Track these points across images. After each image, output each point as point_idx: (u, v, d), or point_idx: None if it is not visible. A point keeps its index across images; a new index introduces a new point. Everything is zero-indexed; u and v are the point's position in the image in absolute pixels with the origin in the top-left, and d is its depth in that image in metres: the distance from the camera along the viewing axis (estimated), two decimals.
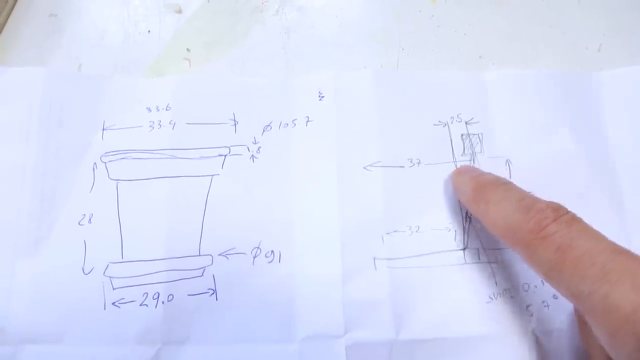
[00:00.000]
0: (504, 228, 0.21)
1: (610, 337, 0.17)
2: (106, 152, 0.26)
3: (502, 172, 0.27)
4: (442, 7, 0.31)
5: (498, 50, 0.30)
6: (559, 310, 0.24)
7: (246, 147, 0.27)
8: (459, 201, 0.26)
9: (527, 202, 0.21)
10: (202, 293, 0.24)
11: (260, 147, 0.27)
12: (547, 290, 0.25)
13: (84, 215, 0.25)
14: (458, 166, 0.27)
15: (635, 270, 0.17)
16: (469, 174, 0.25)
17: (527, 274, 0.25)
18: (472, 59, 0.30)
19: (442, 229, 0.26)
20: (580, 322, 0.22)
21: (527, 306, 0.24)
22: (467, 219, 0.26)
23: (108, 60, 0.29)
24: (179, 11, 0.30)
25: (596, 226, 0.25)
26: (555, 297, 0.25)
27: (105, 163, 0.26)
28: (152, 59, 0.29)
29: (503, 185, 0.23)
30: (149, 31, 0.30)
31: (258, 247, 0.25)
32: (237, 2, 0.31)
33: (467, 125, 0.27)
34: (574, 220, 0.20)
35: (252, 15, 0.31)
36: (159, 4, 0.31)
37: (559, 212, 0.20)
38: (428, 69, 0.29)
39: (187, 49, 0.30)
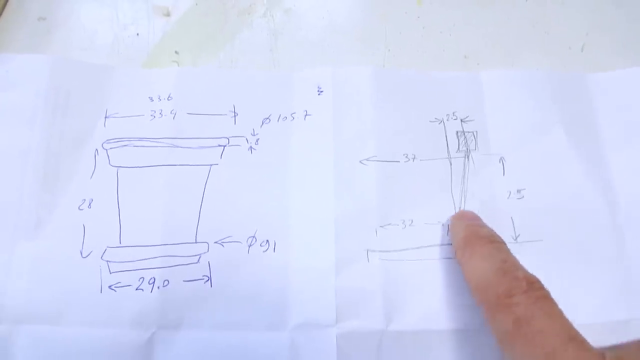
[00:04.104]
0: (476, 284, 0.21)
1: None
2: (108, 139, 0.27)
3: (496, 169, 0.27)
4: (428, 8, 0.32)
5: (483, 50, 0.31)
6: None
7: (245, 138, 0.27)
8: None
9: (507, 266, 0.21)
10: (197, 279, 0.25)
11: (258, 138, 0.27)
12: None
13: (84, 200, 0.26)
14: (452, 163, 0.27)
15: None
16: (467, 221, 0.25)
17: None
18: (457, 59, 0.30)
19: (435, 223, 0.26)
20: None
21: None
22: None
23: (97, 62, 0.29)
24: (168, 14, 0.31)
25: (589, 224, 0.26)
26: None
27: (106, 150, 0.27)
28: (141, 62, 0.30)
29: (494, 243, 0.23)
30: (137, 34, 0.31)
31: (253, 237, 0.26)
32: (225, 5, 0.32)
33: (463, 123, 0.28)
34: (543, 298, 0.20)
35: (240, 18, 0.31)
36: (147, 7, 0.32)
37: (532, 285, 0.20)
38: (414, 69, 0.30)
39: (176, 52, 0.30)
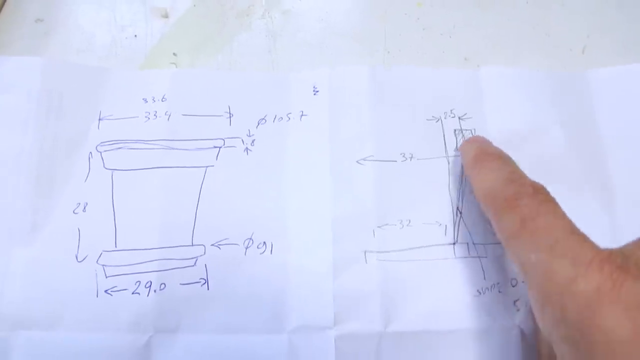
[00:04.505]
0: (484, 192, 0.22)
1: (540, 308, 0.18)
2: (102, 142, 0.27)
3: None
4: (428, 9, 0.32)
5: (483, 52, 0.30)
6: None
7: (240, 139, 0.27)
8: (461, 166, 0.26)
9: (515, 176, 0.22)
10: (194, 282, 0.25)
11: (254, 139, 0.27)
12: None
13: (79, 203, 0.26)
14: (450, 161, 0.27)
15: (581, 249, 0.18)
16: (477, 142, 0.25)
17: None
18: (457, 60, 0.30)
19: (433, 223, 0.26)
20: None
21: (515, 301, 0.25)
22: (458, 214, 0.26)
23: (95, 64, 0.29)
24: (166, 16, 0.30)
25: (587, 223, 0.26)
26: None
27: (100, 153, 0.27)
28: (139, 63, 0.29)
29: (503, 158, 0.23)
30: (135, 36, 0.30)
31: (250, 238, 0.25)
32: (223, 7, 0.31)
33: (460, 121, 0.28)
34: (548, 200, 0.21)
35: (238, 20, 0.31)
36: (145, 9, 0.31)
37: (538, 191, 0.21)
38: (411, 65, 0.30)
39: (174, 53, 0.30)
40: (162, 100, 0.28)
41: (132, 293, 0.24)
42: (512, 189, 0.21)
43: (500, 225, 0.21)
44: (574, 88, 0.29)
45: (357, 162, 0.27)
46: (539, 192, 0.21)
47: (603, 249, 0.18)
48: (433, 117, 0.28)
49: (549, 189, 0.26)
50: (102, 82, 0.28)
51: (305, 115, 0.28)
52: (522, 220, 0.20)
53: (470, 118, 0.28)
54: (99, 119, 0.27)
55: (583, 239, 0.18)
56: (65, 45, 0.30)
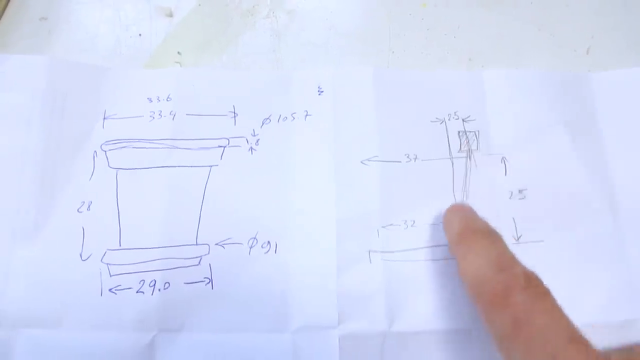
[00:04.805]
0: (471, 280, 0.20)
1: None
2: (107, 141, 0.27)
3: (498, 169, 0.27)
4: (432, 10, 0.32)
5: (487, 52, 0.30)
6: None
7: (245, 139, 0.27)
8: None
9: (504, 260, 0.20)
10: (198, 282, 0.25)
11: (259, 139, 0.27)
12: None
13: (83, 202, 0.26)
14: (454, 163, 0.27)
15: None
16: (461, 214, 0.24)
17: None
18: (461, 61, 0.30)
19: (437, 223, 0.26)
20: None
21: None
22: None
23: (99, 63, 0.29)
24: (170, 15, 0.30)
25: (589, 225, 0.26)
26: None
27: (105, 152, 0.27)
28: (143, 63, 0.30)
29: (489, 237, 0.22)
30: (140, 35, 0.30)
31: (254, 238, 0.26)
32: (227, 6, 0.31)
33: (464, 123, 0.28)
34: (542, 295, 0.19)
35: (243, 19, 0.31)
36: (150, 8, 0.31)
37: (530, 282, 0.19)
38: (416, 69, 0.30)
39: (178, 52, 0.30)
40: (167, 100, 0.28)
41: (137, 292, 0.24)
42: (501, 280, 0.19)
43: (490, 322, 0.19)
44: (578, 89, 0.29)
45: (361, 162, 0.27)
46: (532, 284, 0.19)
47: (605, 353, 0.17)
48: (437, 118, 0.28)
49: (552, 191, 0.26)
50: (106, 81, 0.28)
51: (310, 115, 0.28)
52: (516, 321, 0.18)
53: (473, 120, 0.28)
54: (104, 118, 0.27)
55: (584, 348, 0.17)
56: (70, 44, 0.30)
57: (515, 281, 0.19)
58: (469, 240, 0.22)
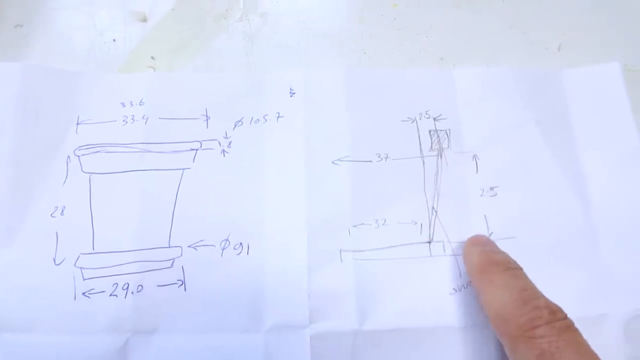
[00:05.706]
0: (496, 314, 0.21)
1: None
2: (80, 146, 0.27)
3: (469, 167, 0.27)
4: (404, 10, 0.32)
5: (459, 51, 0.31)
6: None
7: (217, 141, 0.27)
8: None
9: (527, 295, 0.20)
10: (171, 284, 0.25)
11: (231, 141, 0.27)
12: None
13: (57, 207, 0.26)
14: (425, 162, 0.27)
15: None
16: (481, 247, 0.24)
17: None
18: (433, 60, 0.30)
19: (409, 222, 0.26)
20: None
21: None
22: (434, 213, 0.26)
23: (74, 69, 0.29)
24: (144, 19, 0.31)
25: (561, 221, 0.26)
26: None
27: (78, 156, 0.27)
28: (118, 67, 0.30)
29: (511, 270, 0.22)
30: (114, 40, 0.31)
31: (227, 240, 0.26)
32: (201, 10, 0.32)
33: (435, 122, 0.28)
34: (567, 328, 0.19)
35: (216, 23, 0.31)
36: (124, 13, 0.31)
37: (555, 315, 0.19)
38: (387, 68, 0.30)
39: (152, 57, 0.30)
40: (139, 104, 0.28)
41: (110, 295, 0.25)
42: (525, 315, 0.19)
43: (515, 357, 0.20)
44: (549, 86, 0.29)
45: (332, 162, 0.27)
46: (556, 318, 0.19)
47: None
48: (408, 118, 0.28)
49: (523, 188, 0.27)
50: (80, 87, 0.28)
51: (282, 116, 0.28)
52: (541, 355, 0.18)
53: (445, 119, 0.28)
54: (77, 123, 0.27)
55: None
56: (45, 50, 0.30)
57: (540, 314, 0.19)
58: (490, 273, 0.22)
